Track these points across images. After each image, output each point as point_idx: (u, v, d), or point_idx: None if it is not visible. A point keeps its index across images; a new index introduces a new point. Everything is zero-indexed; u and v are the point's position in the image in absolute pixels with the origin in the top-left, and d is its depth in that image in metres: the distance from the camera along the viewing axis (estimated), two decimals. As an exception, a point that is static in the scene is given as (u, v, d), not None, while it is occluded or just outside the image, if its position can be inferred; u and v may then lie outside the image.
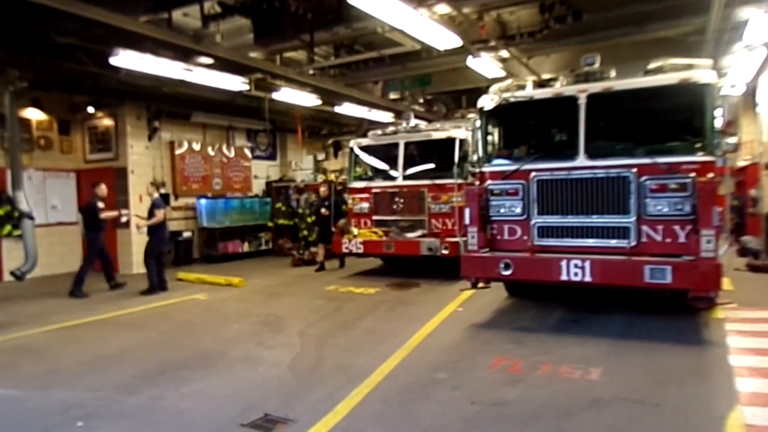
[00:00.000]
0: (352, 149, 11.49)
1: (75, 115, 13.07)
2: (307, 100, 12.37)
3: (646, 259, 5.79)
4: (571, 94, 6.46)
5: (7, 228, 11.18)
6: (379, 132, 11.21)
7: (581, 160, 6.32)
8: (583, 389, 4.66)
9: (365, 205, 10.93)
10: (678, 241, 5.94)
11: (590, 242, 6.32)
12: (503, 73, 10.47)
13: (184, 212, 14.18)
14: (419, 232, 10.23)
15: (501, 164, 7.03)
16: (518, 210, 6.72)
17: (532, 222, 6.63)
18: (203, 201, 14.32)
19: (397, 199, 10.53)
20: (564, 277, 6.09)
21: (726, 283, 6.28)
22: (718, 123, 6.05)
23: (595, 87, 6.39)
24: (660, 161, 5.97)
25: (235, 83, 10.64)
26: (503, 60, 10.43)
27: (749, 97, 13.39)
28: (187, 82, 10.25)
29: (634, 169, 6.05)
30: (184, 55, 9.12)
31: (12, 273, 10.19)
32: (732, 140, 6.22)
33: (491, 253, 6.76)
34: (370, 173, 11.36)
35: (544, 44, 9.98)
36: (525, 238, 6.68)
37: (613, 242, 6.19)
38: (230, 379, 5.26)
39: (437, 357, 5.68)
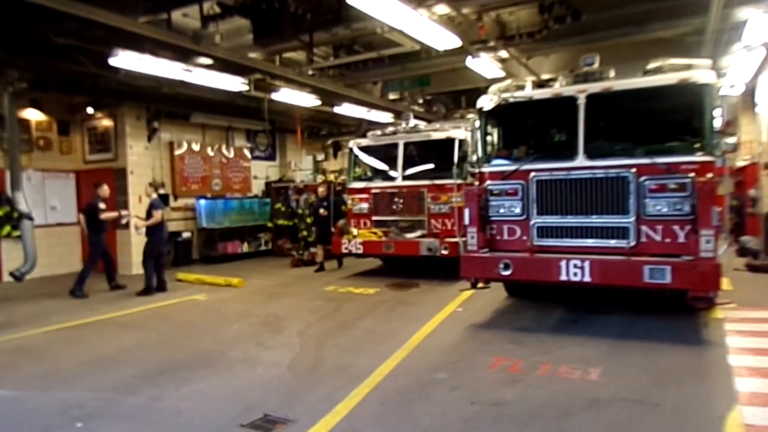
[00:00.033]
0: (351, 150, 11.49)
1: (74, 116, 13.07)
2: (307, 100, 12.38)
3: (646, 259, 5.79)
4: (571, 94, 6.47)
5: (7, 229, 11.18)
6: (379, 132, 11.22)
7: (580, 161, 6.33)
8: (583, 389, 4.66)
9: (365, 205, 10.93)
10: (677, 241, 5.95)
11: (589, 242, 6.33)
12: (502, 74, 10.48)
13: (183, 213, 14.18)
14: (419, 233, 10.24)
15: (500, 164, 7.04)
16: (517, 210, 6.73)
17: (532, 222, 6.63)
18: (202, 201, 14.31)
19: (396, 199, 10.53)
20: (563, 278, 6.10)
21: (725, 283, 6.28)
22: (717, 123, 6.05)
23: (595, 87, 6.40)
24: (659, 161, 5.97)
25: (235, 84, 10.65)
26: (502, 60, 10.44)
27: (748, 97, 13.41)
28: (186, 83, 10.25)
29: (634, 169, 6.05)
30: (184, 55, 9.13)
31: (11, 274, 10.19)
32: (731, 140, 6.23)
33: (491, 253, 6.76)
34: (369, 174, 11.35)
35: (544, 44, 9.99)
36: (524, 238, 6.68)
37: (613, 242, 6.19)
38: (230, 380, 5.26)
39: (437, 357, 5.68)
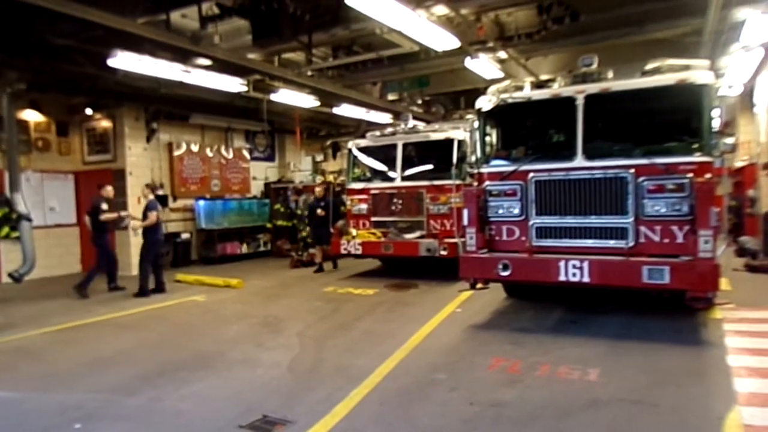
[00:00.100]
0: (350, 150, 11.49)
1: (73, 117, 13.06)
2: (306, 101, 12.38)
3: (644, 260, 5.80)
4: (569, 95, 6.47)
5: (5, 230, 11.17)
6: (378, 133, 11.22)
7: (579, 161, 6.33)
8: (582, 390, 4.66)
9: (364, 206, 10.93)
10: (676, 242, 5.95)
11: (588, 243, 6.33)
12: (501, 74, 10.49)
13: (182, 214, 14.17)
14: (418, 233, 10.24)
15: (499, 165, 7.04)
16: (516, 211, 6.73)
17: (531, 223, 6.63)
18: (201, 202, 14.30)
19: (395, 200, 10.54)
20: (562, 278, 6.10)
21: (724, 284, 6.29)
22: (716, 123, 6.06)
23: (593, 88, 6.41)
24: (658, 162, 5.98)
25: (234, 84, 10.65)
26: (501, 61, 10.45)
27: (746, 97, 13.43)
28: (185, 84, 10.25)
29: (632, 170, 6.06)
30: (183, 56, 9.13)
31: (10, 275, 10.19)
32: (729, 141, 6.24)
33: (490, 253, 6.76)
34: (368, 174, 11.36)
35: (542, 45, 10.01)
36: (523, 238, 6.68)
37: (611, 243, 6.20)
38: (229, 381, 5.25)
39: (436, 358, 5.68)
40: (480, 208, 6.82)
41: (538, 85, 7.18)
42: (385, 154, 10.86)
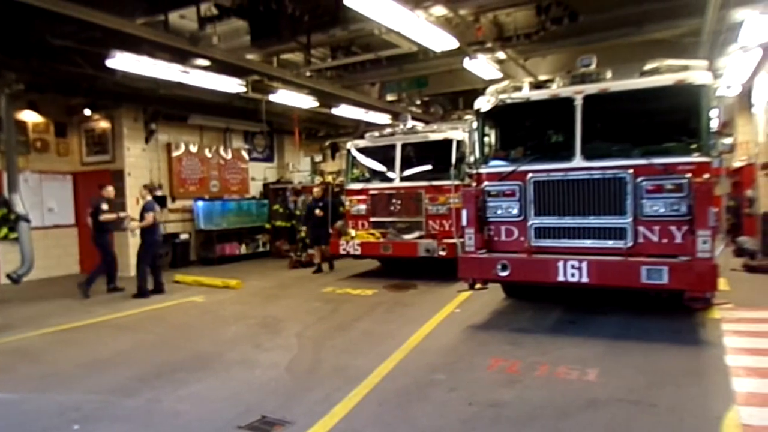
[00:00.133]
0: (349, 151, 11.49)
1: (71, 118, 13.04)
2: (304, 101, 12.37)
3: (643, 260, 5.80)
4: (568, 95, 6.48)
5: (4, 231, 11.16)
6: (376, 134, 11.22)
7: (578, 161, 6.34)
8: (581, 390, 4.67)
9: (362, 206, 10.93)
10: (674, 242, 5.96)
11: (587, 243, 6.33)
12: (500, 75, 10.49)
13: (181, 214, 14.16)
14: (416, 234, 10.24)
15: (498, 165, 7.05)
16: (515, 211, 6.74)
17: (529, 223, 6.64)
18: (200, 203, 14.30)
19: (394, 200, 10.54)
20: (561, 278, 6.11)
21: (722, 284, 6.32)
22: (714, 124, 6.07)
23: (592, 88, 6.41)
24: (656, 162, 5.99)
25: (232, 85, 10.64)
26: (500, 61, 10.45)
27: (745, 97, 13.44)
28: (184, 84, 10.24)
29: (631, 170, 6.07)
30: (181, 57, 9.12)
31: (8, 276, 10.17)
32: (728, 141, 6.24)
33: (488, 254, 6.76)
34: (367, 175, 11.36)
35: (541, 46, 10.01)
36: (522, 239, 6.69)
37: (610, 243, 6.20)
38: (227, 382, 5.25)
39: (435, 358, 5.68)
40: (479, 208, 6.83)
41: (537, 85, 7.18)
42: (383, 154, 10.87)
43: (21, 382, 5.45)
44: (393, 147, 10.63)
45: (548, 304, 7.70)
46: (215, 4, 8.56)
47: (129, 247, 12.15)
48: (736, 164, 13.60)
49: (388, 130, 11.27)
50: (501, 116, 7.22)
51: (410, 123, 11.25)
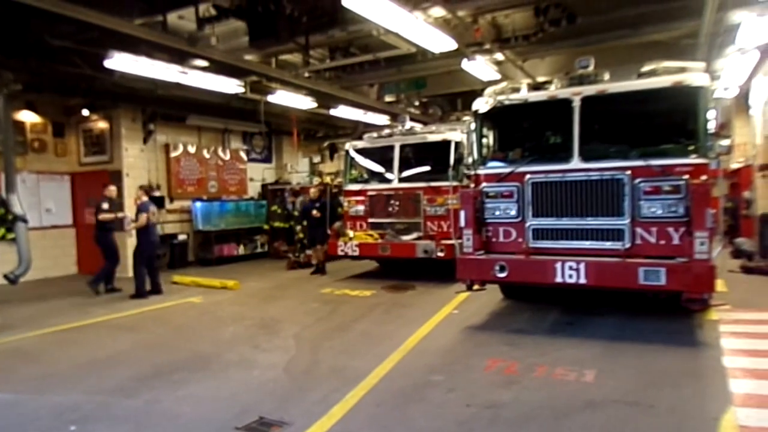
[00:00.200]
0: (347, 152, 11.50)
1: (69, 118, 13.02)
2: (303, 102, 12.37)
3: (641, 261, 5.81)
4: (566, 96, 6.50)
5: (1, 231, 11.11)
6: (375, 135, 11.23)
7: (575, 163, 6.35)
8: (578, 391, 4.67)
9: (361, 207, 10.94)
10: (672, 243, 5.97)
11: (585, 244, 6.34)
12: (498, 76, 10.50)
13: (179, 215, 14.14)
14: (415, 235, 10.25)
15: (496, 167, 7.06)
16: (513, 212, 6.75)
17: (527, 224, 6.65)
18: (198, 204, 14.28)
19: (392, 201, 10.55)
20: (559, 279, 6.11)
21: (720, 285, 6.32)
22: (711, 125, 6.09)
23: (589, 90, 6.43)
24: (654, 163, 6.00)
25: (231, 86, 10.63)
26: (498, 63, 10.46)
27: (742, 99, 13.47)
28: (182, 85, 10.23)
29: (628, 172, 6.08)
30: (179, 57, 9.11)
31: (5, 276, 10.13)
32: (725, 142, 6.26)
33: (486, 255, 6.77)
34: (365, 176, 11.37)
35: (539, 47, 10.02)
36: (520, 240, 6.70)
37: (608, 244, 6.21)
38: (225, 382, 5.25)
39: (432, 359, 5.68)
40: (477, 209, 6.84)
41: (535, 86, 7.20)
42: (382, 155, 10.87)
43: (19, 383, 5.44)
44: (391, 148, 10.65)
45: (546, 305, 7.70)
46: (214, 4, 8.55)
47: (127, 247, 12.12)
48: (734, 166, 13.64)
49: (387, 131, 11.28)
50: (499, 117, 7.23)
51: (409, 124, 11.26)
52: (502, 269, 6.43)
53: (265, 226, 15.59)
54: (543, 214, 6.56)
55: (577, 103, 6.39)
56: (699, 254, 5.51)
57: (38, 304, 9.28)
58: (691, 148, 6.09)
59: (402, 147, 10.60)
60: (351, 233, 10.79)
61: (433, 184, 10.06)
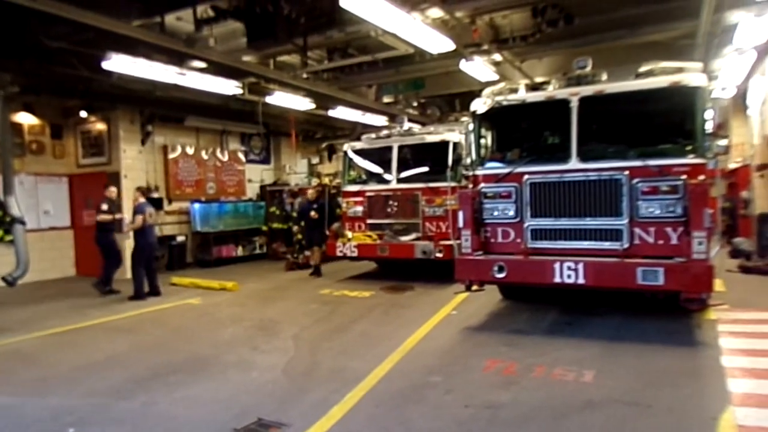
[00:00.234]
0: (346, 153, 11.50)
1: (67, 120, 13.00)
2: (301, 103, 12.37)
3: (639, 261, 5.82)
4: (564, 97, 6.50)
5: (-1, 233, 11.11)
6: (373, 135, 11.23)
7: (574, 163, 6.36)
8: (577, 391, 4.67)
9: (359, 208, 10.94)
10: (670, 243, 5.98)
11: (583, 244, 6.35)
12: (496, 77, 10.50)
13: (177, 216, 14.12)
14: (413, 236, 10.25)
15: (494, 167, 7.06)
16: (511, 213, 6.75)
17: (526, 225, 6.65)
18: (197, 205, 14.26)
19: (391, 202, 10.55)
20: (557, 280, 6.11)
21: (718, 285, 6.33)
22: (709, 126, 6.10)
23: (587, 90, 6.44)
24: (651, 164, 6.01)
25: (229, 87, 10.62)
26: (496, 63, 10.47)
27: (739, 99, 13.51)
28: (180, 86, 10.21)
29: (626, 172, 6.09)
30: (178, 59, 9.10)
31: (3, 278, 10.10)
32: (723, 142, 6.29)
33: (485, 255, 6.77)
34: (364, 177, 11.37)
35: (537, 48, 10.03)
36: (518, 240, 6.70)
37: (606, 244, 6.22)
38: (224, 384, 5.24)
39: (431, 360, 5.68)
40: (475, 210, 6.83)
41: (533, 87, 7.21)
42: (380, 156, 10.88)
43: (17, 385, 5.42)
44: (390, 149, 10.65)
45: (545, 305, 7.71)
46: (212, 6, 8.54)
47: (126, 249, 12.10)
48: (732, 166, 13.67)
49: (385, 132, 11.29)
50: (497, 118, 7.23)
51: (407, 125, 11.27)
52: (500, 270, 6.43)
53: (264, 228, 15.58)
54: (541, 215, 6.56)
55: (574, 104, 6.40)
56: (697, 254, 5.52)
57: (36, 306, 9.26)
58: (689, 148, 6.10)
59: (400, 148, 10.60)
60: (349, 234, 10.78)
61: (432, 185, 10.06)
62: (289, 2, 8.18)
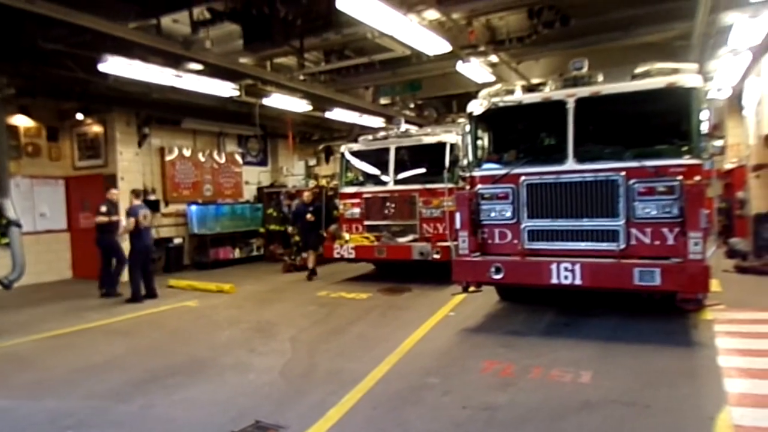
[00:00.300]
0: (343, 154, 11.50)
1: (63, 122, 12.96)
2: (298, 105, 12.37)
3: (635, 262, 5.83)
4: (560, 98, 6.52)
5: (-5, 236, 11.07)
6: (370, 137, 11.23)
7: (570, 164, 6.37)
8: (574, 392, 4.68)
9: (356, 210, 10.93)
10: (666, 244, 6.00)
11: (580, 245, 6.36)
12: (493, 78, 10.53)
13: (174, 219, 14.10)
14: (410, 237, 10.25)
15: (491, 168, 7.07)
16: (508, 214, 6.76)
17: (523, 226, 6.66)
18: (194, 207, 14.24)
19: (388, 203, 10.55)
20: (554, 281, 6.12)
21: (714, 285, 6.36)
22: (705, 126, 6.12)
23: (583, 91, 6.46)
24: (648, 164, 6.03)
25: (226, 89, 10.62)
26: (493, 65, 10.50)
27: (735, 100, 13.56)
28: (177, 88, 10.22)
29: (623, 173, 6.11)
30: (174, 61, 9.09)
31: (-1, 281, 10.09)
32: (718, 143, 6.31)
33: (482, 257, 6.78)
34: (361, 178, 11.37)
35: (533, 49, 10.05)
36: (515, 241, 6.71)
37: (603, 245, 6.23)
38: (221, 386, 5.23)
39: (429, 362, 5.68)
40: (472, 211, 6.85)
41: (529, 88, 7.25)
42: (377, 158, 10.88)
43: (15, 388, 5.41)
44: (387, 150, 10.65)
45: (542, 306, 7.72)
46: (208, 8, 8.53)
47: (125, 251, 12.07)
48: (727, 166, 13.71)
49: (382, 134, 11.29)
50: (494, 119, 7.25)
51: (404, 126, 11.28)
52: (497, 271, 6.44)
53: (261, 230, 15.56)
54: (538, 216, 6.57)
55: (571, 105, 6.42)
56: (693, 254, 5.53)
57: (33, 309, 9.24)
58: (685, 148, 6.12)
59: (397, 149, 10.61)
60: (347, 236, 10.78)
61: (429, 186, 10.07)
62: (285, 4, 8.17)
